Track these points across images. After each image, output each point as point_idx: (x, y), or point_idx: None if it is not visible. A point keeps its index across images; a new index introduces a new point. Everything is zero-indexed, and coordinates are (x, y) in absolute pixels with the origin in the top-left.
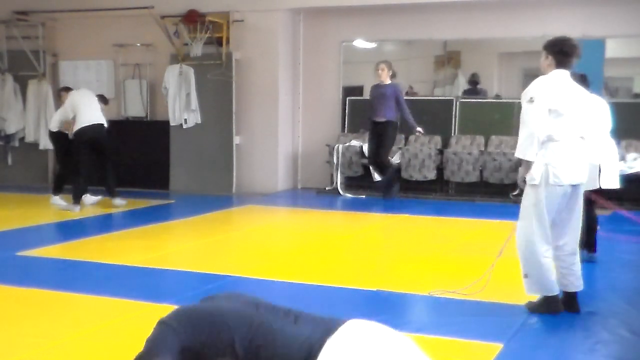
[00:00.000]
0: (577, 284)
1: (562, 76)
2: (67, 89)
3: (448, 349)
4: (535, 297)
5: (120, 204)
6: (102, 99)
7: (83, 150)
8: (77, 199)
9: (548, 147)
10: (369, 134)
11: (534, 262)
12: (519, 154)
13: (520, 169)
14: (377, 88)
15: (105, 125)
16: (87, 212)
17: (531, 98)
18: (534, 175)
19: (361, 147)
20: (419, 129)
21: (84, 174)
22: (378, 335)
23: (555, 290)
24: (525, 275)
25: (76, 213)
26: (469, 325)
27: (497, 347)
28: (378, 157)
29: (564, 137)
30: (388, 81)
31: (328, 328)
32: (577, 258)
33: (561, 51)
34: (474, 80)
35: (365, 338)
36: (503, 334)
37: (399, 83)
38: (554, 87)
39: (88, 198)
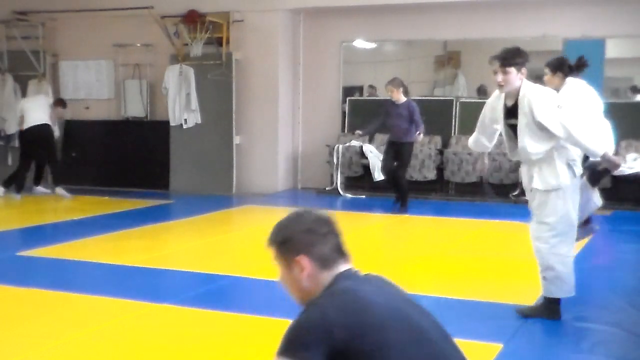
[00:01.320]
0: None
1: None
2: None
3: None
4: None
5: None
6: (60, 103)
7: (27, 147)
8: (19, 189)
9: (566, 145)
10: (385, 150)
11: (560, 263)
12: (599, 151)
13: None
14: (393, 107)
15: (52, 125)
16: (87, 213)
17: (558, 105)
18: (562, 180)
19: (361, 147)
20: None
21: (27, 167)
22: None
23: (572, 292)
24: (545, 278)
25: (75, 213)
26: (469, 325)
27: (497, 347)
28: (397, 176)
29: None
30: (402, 99)
31: None
32: None
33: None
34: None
35: None
36: (503, 334)
37: (412, 100)
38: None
39: (39, 189)
